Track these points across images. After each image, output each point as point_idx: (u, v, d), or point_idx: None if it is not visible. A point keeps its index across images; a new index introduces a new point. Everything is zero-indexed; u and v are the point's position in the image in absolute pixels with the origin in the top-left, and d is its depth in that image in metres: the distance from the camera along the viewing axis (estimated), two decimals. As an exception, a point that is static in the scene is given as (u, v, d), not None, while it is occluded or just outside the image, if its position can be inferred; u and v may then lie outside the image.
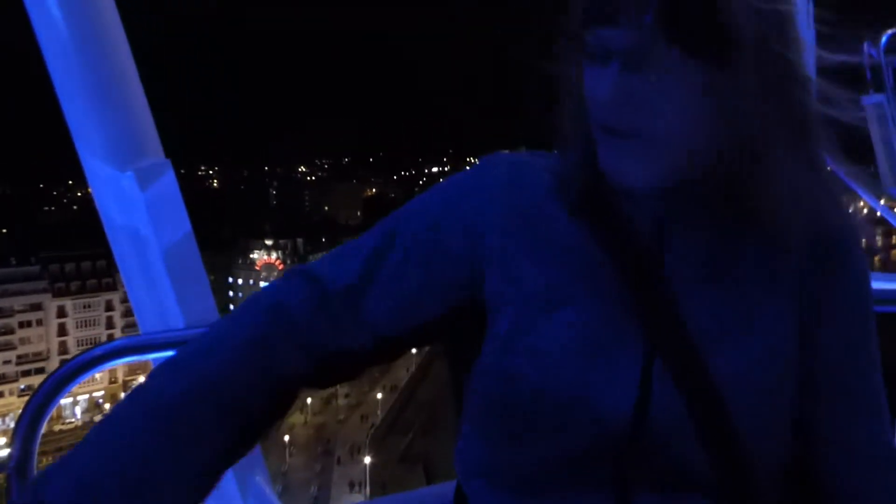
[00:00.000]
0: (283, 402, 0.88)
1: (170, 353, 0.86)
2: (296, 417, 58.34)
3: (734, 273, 0.92)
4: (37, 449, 1.19)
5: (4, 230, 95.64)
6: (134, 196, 2.05)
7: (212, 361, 0.83)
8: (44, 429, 1.22)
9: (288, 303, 0.90)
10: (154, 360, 1.52)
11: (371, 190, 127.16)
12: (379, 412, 59.63)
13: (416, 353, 63.79)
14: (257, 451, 2.51)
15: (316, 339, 0.90)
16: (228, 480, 2.28)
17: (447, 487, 1.12)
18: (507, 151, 1.05)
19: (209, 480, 0.80)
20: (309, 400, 58.97)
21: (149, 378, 0.83)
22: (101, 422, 0.81)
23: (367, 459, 51.68)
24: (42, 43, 1.90)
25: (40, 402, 1.28)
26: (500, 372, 0.92)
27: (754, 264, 0.93)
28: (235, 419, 0.82)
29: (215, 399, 0.81)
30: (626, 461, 0.87)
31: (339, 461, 54.29)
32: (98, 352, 1.41)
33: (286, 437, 54.39)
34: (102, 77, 1.96)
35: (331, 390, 62.27)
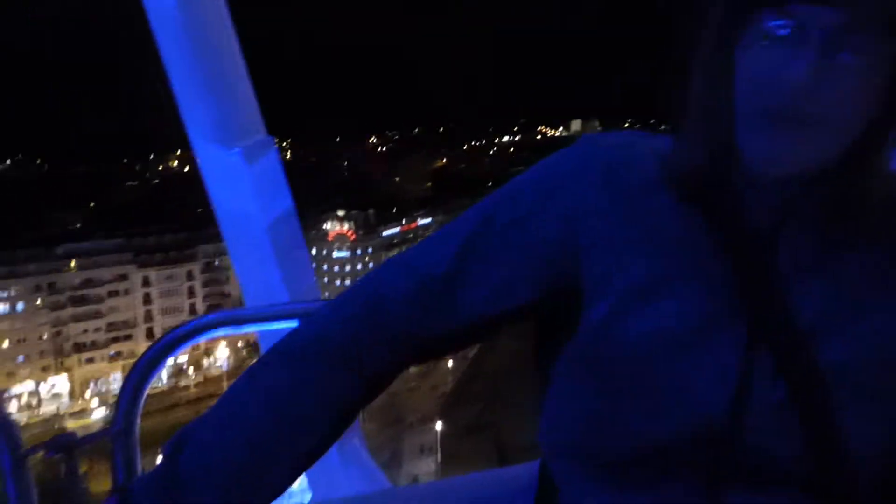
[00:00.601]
0: (374, 391, 0.97)
1: (270, 326, 1.06)
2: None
3: (845, 266, 0.89)
4: (140, 413, 1.23)
5: (92, 204, 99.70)
6: (240, 173, 2.11)
7: (314, 355, 0.94)
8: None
9: (386, 295, 0.96)
10: (258, 332, 1.58)
11: (441, 160, 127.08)
12: (449, 381, 60.28)
13: (486, 324, 63.83)
14: (360, 439, 2.59)
15: (410, 328, 0.95)
16: (332, 461, 2.35)
17: (527, 468, 1.14)
18: (603, 132, 1.02)
19: (311, 460, 0.93)
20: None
21: (262, 362, 0.96)
22: (227, 397, 0.96)
23: (439, 426, 52.43)
24: (156, 29, 1.97)
25: (144, 369, 1.30)
26: (596, 357, 0.91)
27: (867, 258, 0.90)
28: (334, 409, 0.94)
29: (319, 391, 0.93)
30: (720, 452, 0.86)
31: (410, 427, 55.27)
32: (201, 322, 1.46)
33: (359, 404, 55.52)
34: (211, 61, 2.02)
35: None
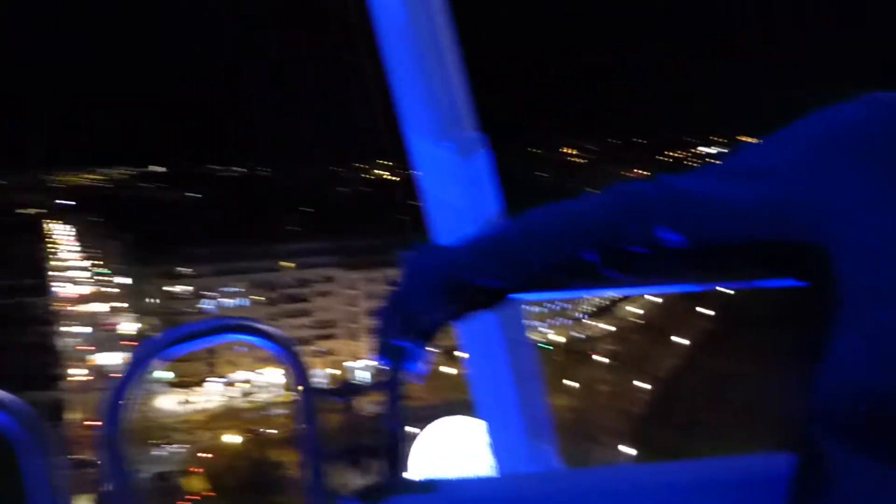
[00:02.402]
0: (612, 264, 1.12)
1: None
2: (557, 400, 58.99)
3: None
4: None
5: (308, 209, 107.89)
6: (452, 168, 2.12)
7: (553, 220, 1.19)
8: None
9: (641, 191, 1.11)
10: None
11: (639, 171, 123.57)
12: (639, 401, 58.32)
13: (682, 342, 61.16)
14: (547, 422, 2.53)
15: (655, 231, 1.06)
16: (520, 444, 2.32)
17: (765, 459, 1.22)
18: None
19: (527, 284, 1.23)
20: (568, 382, 59.26)
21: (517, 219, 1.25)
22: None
23: (629, 449, 50.85)
24: (381, 30, 2.03)
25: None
26: (872, 386, 0.84)
27: None
28: (547, 264, 1.17)
29: (543, 243, 1.16)
30: None
31: (597, 445, 54.06)
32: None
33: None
34: (430, 57, 2.04)
35: (590, 374, 61.97)
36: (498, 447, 2.27)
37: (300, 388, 1.36)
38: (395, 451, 1.28)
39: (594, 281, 1.15)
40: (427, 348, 1.33)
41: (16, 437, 1.17)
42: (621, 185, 1.15)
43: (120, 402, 1.21)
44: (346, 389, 1.32)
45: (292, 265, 71.24)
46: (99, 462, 1.21)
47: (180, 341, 1.30)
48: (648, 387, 59.51)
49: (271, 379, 67.68)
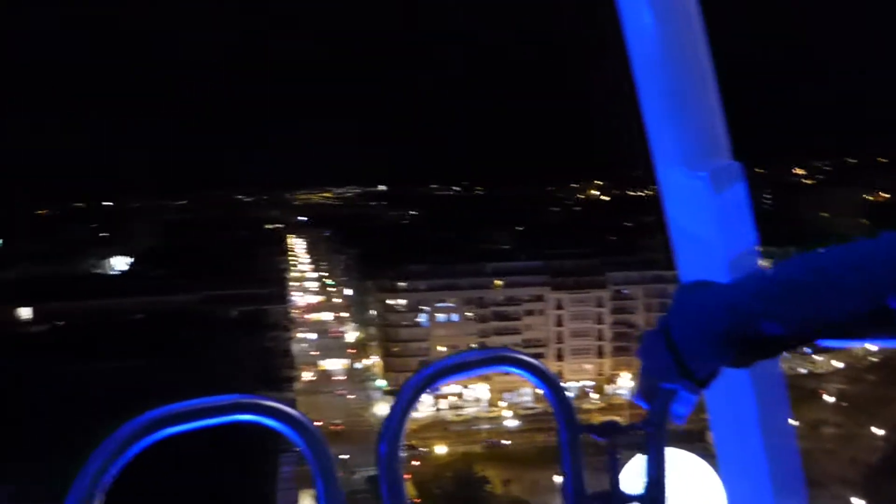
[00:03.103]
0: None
1: None
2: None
3: None
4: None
5: (520, 228, 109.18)
6: (704, 200, 1.95)
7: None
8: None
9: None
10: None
11: (881, 194, 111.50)
12: (874, 449, 52.32)
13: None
14: (799, 477, 2.25)
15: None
16: (764, 479, 2.09)
17: None
18: None
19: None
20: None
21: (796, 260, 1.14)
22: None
23: (860, 502, 45.78)
24: (631, 48, 1.93)
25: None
26: None
27: None
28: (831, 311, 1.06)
29: (842, 288, 1.05)
30: None
31: (822, 493, 49.19)
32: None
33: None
34: (682, 80, 1.91)
35: (815, 414, 56.64)
36: (735, 495, 2.05)
37: (564, 425, 1.29)
38: (658, 498, 1.23)
39: None
40: (697, 394, 1.24)
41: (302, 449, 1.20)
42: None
43: (392, 437, 1.21)
44: (609, 429, 1.24)
45: (502, 283, 72.28)
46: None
47: (448, 373, 1.29)
48: (884, 433, 53.28)
49: (479, 394, 68.98)
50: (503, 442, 61.48)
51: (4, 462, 23.98)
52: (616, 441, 1.24)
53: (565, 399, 1.28)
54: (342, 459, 54.81)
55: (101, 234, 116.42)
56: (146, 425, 1.12)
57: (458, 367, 1.27)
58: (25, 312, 61.61)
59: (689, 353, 1.18)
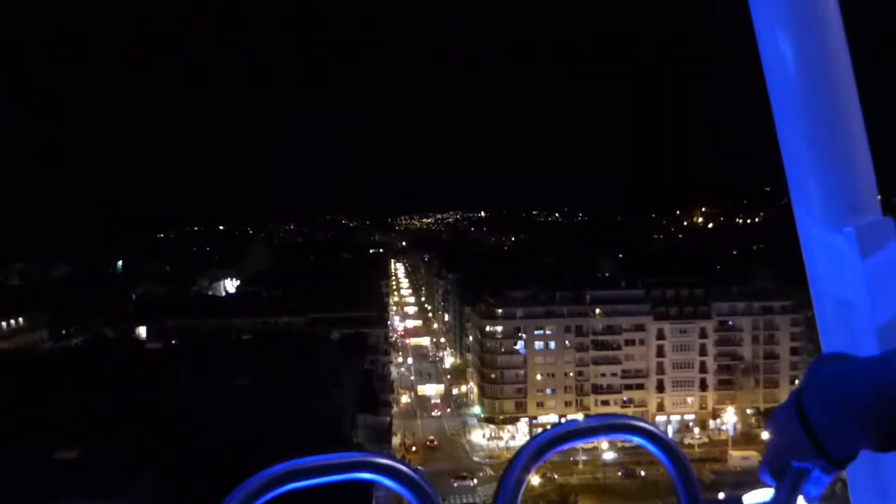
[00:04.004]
0: None
1: None
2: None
3: None
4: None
5: (620, 255, 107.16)
6: (848, 258, 1.70)
7: None
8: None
9: None
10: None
11: None
12: None
13: None
14: None
15: None
16: None
17: None
18: None
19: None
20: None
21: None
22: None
23: None
24: (771, 91, 1.72)
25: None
26: None
27: None
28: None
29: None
30: None
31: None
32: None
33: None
34: (828, 127, 1.68)
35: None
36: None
37: (686, 500, 1.26)
38: None
39: None
40: (832, 475, 1.18)
41: None
42: None
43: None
44: None
45: (601, 312, 70.79)
46: None
47: (563, 440, 1.24)
48: None
49: (576, 423, 67.42)
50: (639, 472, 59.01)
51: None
52: None
53: (687, 471, 1.22)
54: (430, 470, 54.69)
55: (215, 257, 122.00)
56: (265, 483, 1.13)
57: (574, 433, 1.26)
58: (142, 331, 65.09)
59: (826, 432, 1.09)
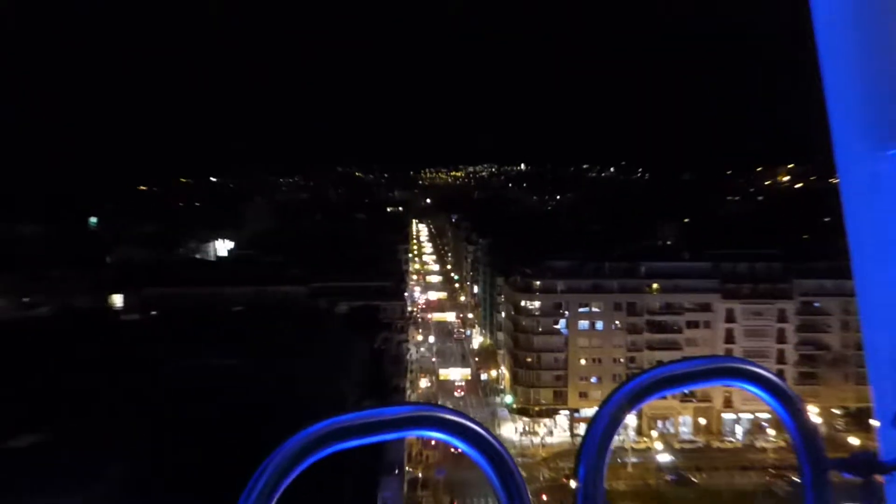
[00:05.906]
0: None
1: None
2: None
3: None
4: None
5: (686, 220, 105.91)
6: (889, 180, 1.94)
7: None
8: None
9: None
10: None
11: None
12: None
13: None
14: None
15: None
16: None
17: None
18: None
19: None
20: None
21: None
22: None
23: None
24: (816, 16, 1.97)
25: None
26: None
27: None
28: None
29: None
30: None
31: None
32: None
33: None
34: (875, 50, 1.93)
35: None
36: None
37: (807, 458, 1.19)
38: None
39: None
40: None
41: None
42: None
43: (591, 471, 1.22)
44: (865, 463, 1.13)
45: (658, 288, 70.57)
46: None
47: (660, 387, 1.28)
48: None
49: (626, 420, 67.58)
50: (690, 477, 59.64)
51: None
52: (873, 483, 1.13)
53: (808, 425, 1.16)
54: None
55: (206, 214, 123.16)
56: (316, 439, 1.16)
57: (673, 379, 1.23)
58: (117, 300, 66.47)
59: None
